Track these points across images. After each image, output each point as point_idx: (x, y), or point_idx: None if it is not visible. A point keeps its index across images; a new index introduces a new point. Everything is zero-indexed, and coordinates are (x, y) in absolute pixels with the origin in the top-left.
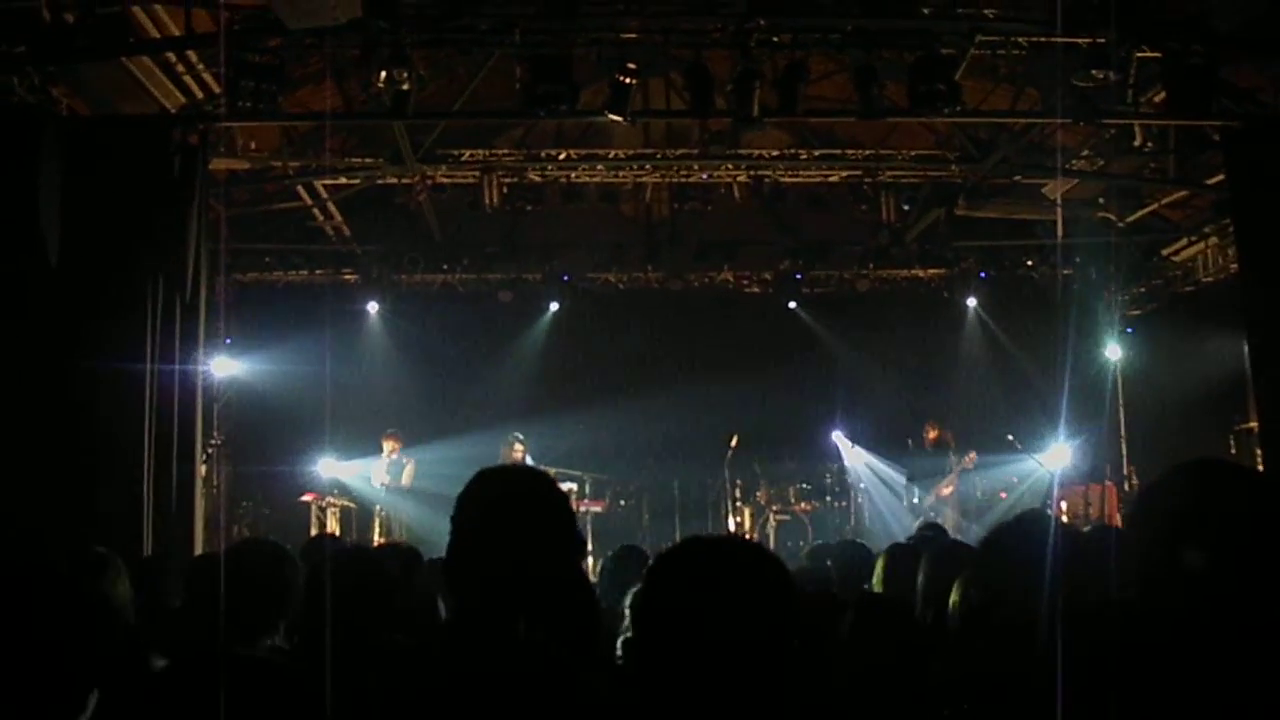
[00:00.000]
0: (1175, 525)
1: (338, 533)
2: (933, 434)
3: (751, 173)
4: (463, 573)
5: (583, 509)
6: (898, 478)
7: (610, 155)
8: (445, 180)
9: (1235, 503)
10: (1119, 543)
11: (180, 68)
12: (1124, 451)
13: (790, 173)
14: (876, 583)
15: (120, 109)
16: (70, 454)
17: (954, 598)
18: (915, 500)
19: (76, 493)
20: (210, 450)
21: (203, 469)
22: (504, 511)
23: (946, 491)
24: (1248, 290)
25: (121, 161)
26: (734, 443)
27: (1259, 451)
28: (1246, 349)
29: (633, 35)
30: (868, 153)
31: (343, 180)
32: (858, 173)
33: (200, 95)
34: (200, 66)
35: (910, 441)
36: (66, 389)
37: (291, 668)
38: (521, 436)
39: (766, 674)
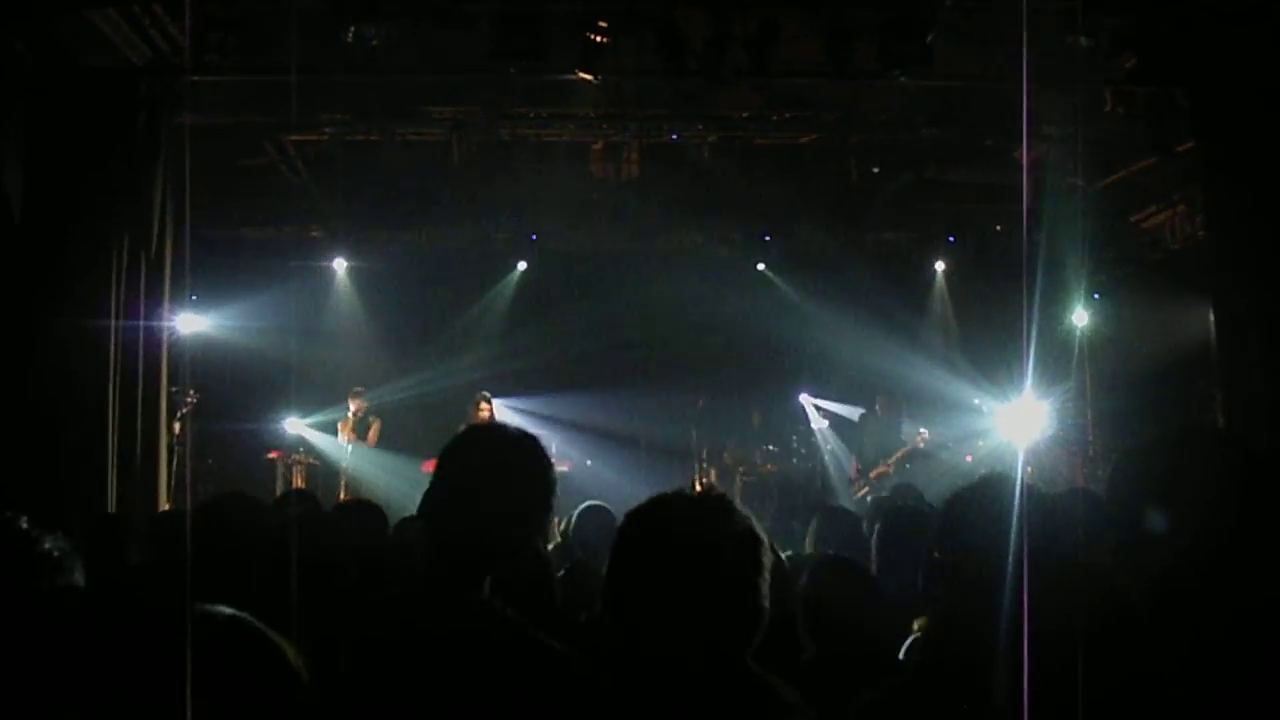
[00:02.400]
0: (1149, 491)
1: (298, 488)
2: (883, 403)
3: (721, 134)
4: (438, 529)
5: None
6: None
7: (580, 115)
8: (414, 137)
9: (1211, 471)
10: (1089, 506)
11: (145, 20)
12: (1088, 417)
13: (760, 134)
14: (808, 544)
15: (84, 62)
16: (33, 411)
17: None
18: (858, 480)
19: (39, 450)
20: (185, 409)
21: (177, 427)
22: (488, 475)
23: (878, 473)
24: (1214, 258)
25: (85, 116)
26: (700, 404)
27: (1221, 419)
28: (1212, 316)
29: None
30: (837, 115)
31: (310, 136)
32: (827, 135)
33: (166, 49)
34: (166, 19)
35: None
36: (29, 346)
37: (251, 622)
38: (489, 394)
39: (738, 623)
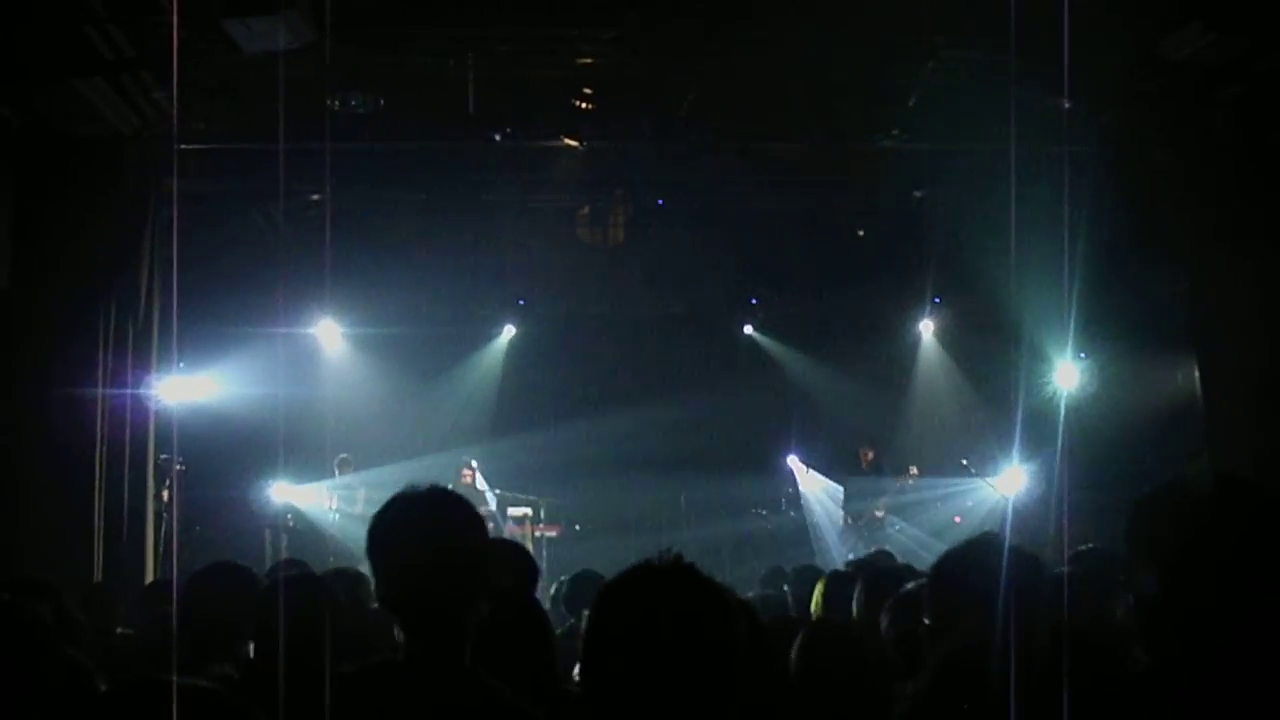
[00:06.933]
0: (1185, 543)
1: (287, 557)
2: (868, 456)
3: (707, 198)
4: (399, 612)
5: (538, 534)
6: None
7: (566, 181)
8: (400, 203)
9: (1251, 519)
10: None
11: (133, 88)
12: (1074, 475)
13: (746, 199)
14: (815, 609)
15: (73, 130)
16: (18, 479)
17: (884, 624)
18: (849, 522)
19: (25, 519)
20: (172, 477)
21: (165, 494)
22: (423, 548)
23: (880, 514)
24: (1198, 316)
25: (74, 183)
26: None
27: None
28: (1198, 373)
29: (588, 60)
30: (823, 177)
31: (297, 203)
32: (813, 199)
33: (153, 116)
34: (154, 87)
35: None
36: (16, 413)
37: (229, 695)
38: (474, 462)
39: (713, 704)
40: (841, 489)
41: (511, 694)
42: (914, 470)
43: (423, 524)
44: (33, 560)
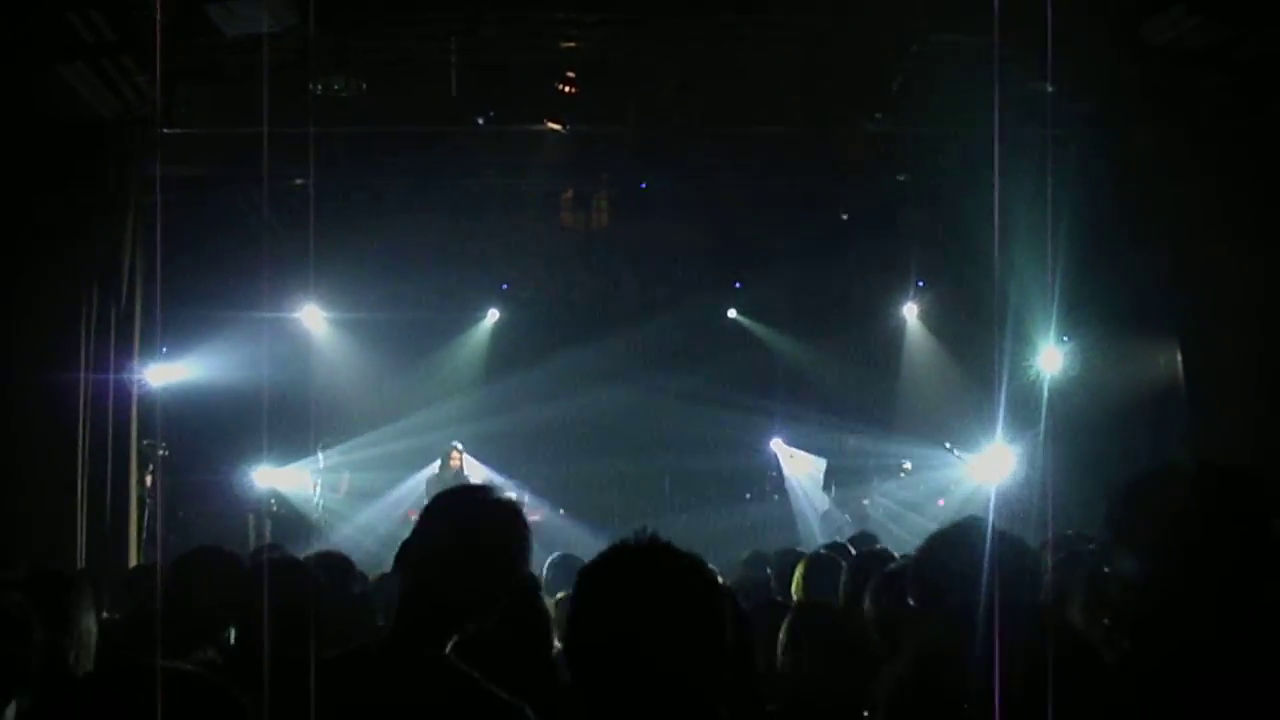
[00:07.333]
0: (1172, 526)
1: (270, 541)
2: (851, 442)
3: (690, 182)
4: (412, 583)
5: None
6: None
7: (549, 165)
8: (383, 188)
9: (1234, 505)
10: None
11: (114, 73)
12: (1057, 459)
13: (730, 181)
14: (795, 590)
15: (55, 114)
16: (0, 464)
17: (867, 603)
18: (830, 507)
19: (7, 504)
20: (155, 462)
21: (148, 479)
22: (469, 538)
23: (865, 502)
24: (1181, 300)
25: (56, 168)
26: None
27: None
28: (1180, 356)
29: (572, 44)
30: (806, 161)
31: (279, 185)
32: (796, 181)
33: (135, 101)
34: (135, 71)
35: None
36: None
37: (213, 679)
38: (460, 445)
39: (696, 684)
40: (825, 461)
41: (486, 682)
42: (907, 465)
43: (478, 517)
44: (15, 546)
